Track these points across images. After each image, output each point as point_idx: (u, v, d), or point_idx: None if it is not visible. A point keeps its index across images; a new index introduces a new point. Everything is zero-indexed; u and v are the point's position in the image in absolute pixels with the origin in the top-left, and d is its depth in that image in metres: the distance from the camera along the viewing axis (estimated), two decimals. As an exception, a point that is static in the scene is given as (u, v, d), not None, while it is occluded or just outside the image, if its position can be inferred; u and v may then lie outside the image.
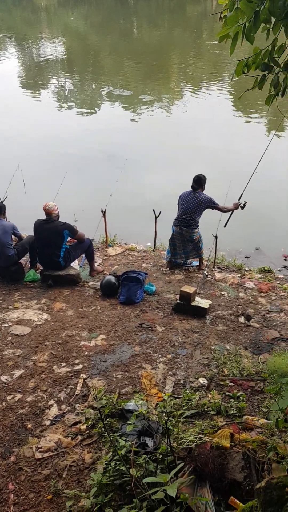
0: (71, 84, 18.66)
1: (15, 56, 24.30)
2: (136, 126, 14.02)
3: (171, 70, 20.69)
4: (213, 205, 6.50)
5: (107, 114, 15.01)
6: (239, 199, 6.57)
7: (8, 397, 3.94)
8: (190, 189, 6.55)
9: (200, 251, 6.80)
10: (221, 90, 17.03)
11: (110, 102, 16.17)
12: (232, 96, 16.36)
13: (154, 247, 7.60)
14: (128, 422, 3.16)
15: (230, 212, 6.61)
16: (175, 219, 6.63)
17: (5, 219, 6.26)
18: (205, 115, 14.70)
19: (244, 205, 6.53)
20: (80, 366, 4.38)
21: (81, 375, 4.25)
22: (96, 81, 19.11)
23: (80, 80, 19.25)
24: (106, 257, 7.13)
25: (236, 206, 6.56)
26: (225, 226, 6.66)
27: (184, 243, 6.65)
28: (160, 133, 13.22)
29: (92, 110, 15.67)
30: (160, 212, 7.15)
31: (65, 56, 24.23)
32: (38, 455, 3.36)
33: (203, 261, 6.94)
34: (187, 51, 24.31)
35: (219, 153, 11.70)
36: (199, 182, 6.49)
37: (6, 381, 4.15)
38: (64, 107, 15.97)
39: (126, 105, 15.87)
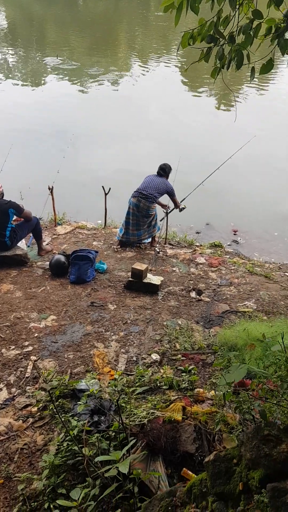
0: (15, 57, 17.85)
1: None
2: (84, 100, 13.68)
3: (118, 42, 20.25)
4: (172, 194, 6.62)
5: (53, 88, 14.52)
6: (181, 201, 6.79)
7: None
8: (156, 174, 6.62)
9: (153, 229, 6.79)
10: (169, 63, 16.85)
11: (57, 75, 15.64)
12: (179, 69, 16.24)
13: (105, 225, 7.51)
14: (79, 402, 3.13)
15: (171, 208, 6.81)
16: (134, 192, 6.54)
17: None
18: (154, 88, 14.56)
19: (183, 209, 6.78)
20: (30, 348, 4.28)
21: (31, 357, 4.16)
22: (41, 53, 18.39)
23: (24, 53, 18.46)
24: (55, 236, 6.96)
25: (178, 206, 6.76)
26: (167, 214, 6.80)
27: (139, 220, 6.56)
28: (108, 107, 12.97)
29: (38, 84, 15.11)
30: (110, 188, 7.04)
31: (7, 26, 23.10)
32: (-12, 440, 3.27)
33: (155, 238, 6.93)
34: (134, 22, 23.84)
35: (167, 127, 11.66)
36: (165, 170, 6.58)
37: None
38: (7, 80, 15.28)
39: (73, 78, 15.42)
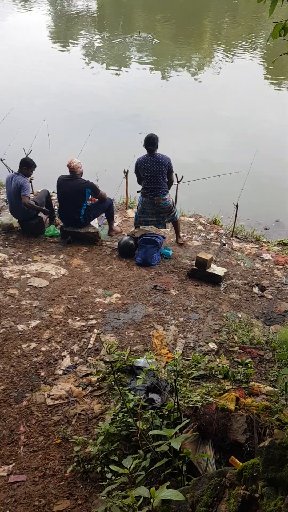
0: (100, 41, 18.17)
1: (45, 6, 23.62)
2: (163, 87, 13.71)
3: (203, 31, 19.98)
4: (171, 168, 5.98)
5: (134, 74, 14.65)
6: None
7: (24, 345, 4.08)
8: (146, 153, 5.95)
9: (172, 214, 6.21)
10: (254, 55, 16.45)
11: (138, 61, 15.76)
12: (264, 62, 15.81)
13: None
14: (138, 377, 3.26)
15: None
16: (142, 189, 6.09)
17: (22, 175, 6.11)
18: (236, 80, 14.27)
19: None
20: (94, 322, 4.49)
21: (95, 330, 4.36)
22: (126, 38, 18.57)
23: (109, 37, 18.73)
24: (125, 219, 7.14)
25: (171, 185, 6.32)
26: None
27: (158, 215, 6.14)
28: (187, 96, 12.92)
29: (120, 69, 15.31)
30: (183, 177, 7.08)
31: (96, 10, 23.48)
32: (49, 401, 3.50)
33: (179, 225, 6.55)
34: (221, 12, 23.36)
35: (246, 120, 11.44)
36: (153, 142, 5.83)
37: (22, 330, 4.29)
38: (91, 63, 15.61)
39: (155, 65, 15.47)
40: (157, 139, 5.89)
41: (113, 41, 17.44)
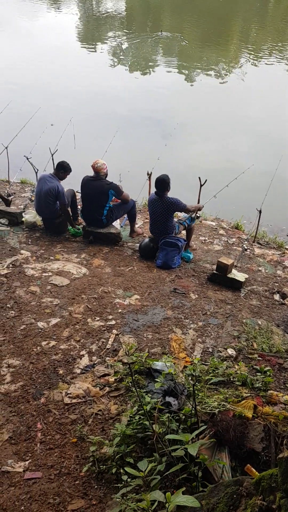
0: (128, 42, 18.24)
1: (75, 7, 23.84)
2: (189, 90, 13.70)
3: (231, 35, 19.88)
4: (181, 208, 5.90)
5: (161, 76, 14.68)
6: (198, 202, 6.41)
7: (43, 343, 4.11)
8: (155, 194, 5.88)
9: (182, 227, 6.14)
10: (281, 60, 16.30)
11: (165, 64, 15.77)
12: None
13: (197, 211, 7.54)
14: (156, 380, 3.26)
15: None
16: (150, 226, 6.13)
17: (54, 177, 6.17)
18: (262, 86, 14.18)
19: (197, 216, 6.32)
20: (113, 322, 4.50)
21: (113, 330, 4.37)
22: (153, 40, 18.61)
23: (137, 39, 18.79)
24: (147, 220, 7.12)
25: (199, 207, 6.29)
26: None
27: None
28: (212, 99, 12.88)
29: (146, 70, 15.35)
30: (206, 180, 7.05)
31: (125, 12, 23.59)
32: (67, 400, 3.52)
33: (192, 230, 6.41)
34: (250, 16, 23.20)
35: (271, 125, 11.35)
36: (163, 185, 5.74)
37: (42, 327, 4.33)
38: (118, 65, 15.70)
39: (181, 68, 15.46)
40: (168, 182, 5.76)
41: (136, 41, 17.46)
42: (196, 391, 3.45)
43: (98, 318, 4.54)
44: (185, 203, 5.90)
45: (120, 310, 4.71)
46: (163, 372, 3.18)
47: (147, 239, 6.08)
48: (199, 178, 7.07)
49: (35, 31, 18.68)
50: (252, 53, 17.05)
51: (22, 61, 14.72)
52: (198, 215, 6.57)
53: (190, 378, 3.62)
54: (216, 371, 3.84)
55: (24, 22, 19.83)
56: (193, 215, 6.20)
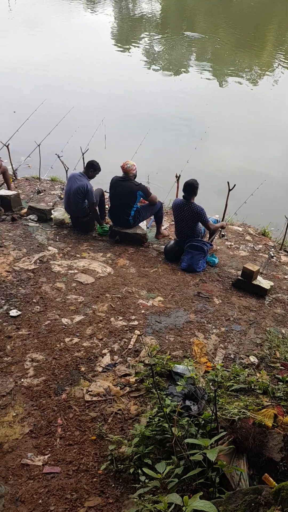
0: (161, 44, 18.28)
1: (111, 9, 24.02)
2: (221, 94, 13.64)
3: (265, 40, 19.70)
4: (204, 221, 5.82)
5: (193, 79, 14.67)
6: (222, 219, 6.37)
7: (67, 339, 4.16)
8: (182, 198, 5.84)
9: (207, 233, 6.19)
10: None
11: (197, 67, 15.74)
12: None
13: (222, 220, 7.51)
14: (177, 383, 3.26)
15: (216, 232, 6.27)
16: (175, 229, 6.13)
17: (84, 176, 6.22)
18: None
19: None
20: (136, 323, 4.52)
21: (136, 331, 4.39)
22: (187, 43, 18.60)
23: (170, 41, 18.81)
24: (173, 223, 7.13)
25: (222, 226, 6.31)
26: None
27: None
28: (244, 105, 12.80)
29: (178, 73, 15.34)
30: (235, 185, 7.01)
31: (159, 15, 23.64)
32: (87, 397, 3.56)
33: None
34: (286, 22, 22.94)
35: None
36: (191, 189, 5.69)
37: (66, 323, 4.38)
38: (151, 66, 15.74)
39: (213, 71, 15.41)
40: (196, 187, 5.71)
41: (169, 43, 17.47)
42: (217, 397, 3.44)
43: (121, 318, 4.57)
44: (208, 218, 5.88)
45: (143, 311, 4.73)
46: (184, 376, 3.18)
47: (172, 242, 6.09)
48: (228, 182, 7.03)
49: (70, 31, 18.91)
50: (286, 59, 16.86)
51: (57, 61, 14.93)
52: (223, 234, 6.56)
53: (211, 384, 3.61)
54: (237, 378, 3.82)
55: (60, 22, 20.08)
56: (215, 235, 6.19)
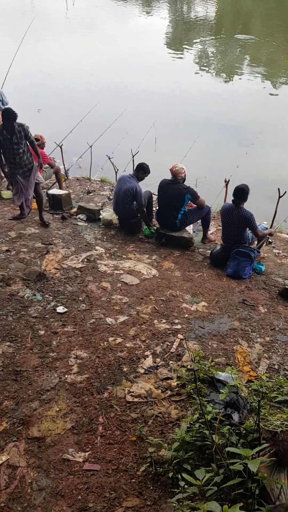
0: (214, 47, 18.16)
1: (166, 12, 24.11)
2: (273, 100, 13.38)
3: None
4: (252, 227, 5.70)
5: (245, 83, 14.48)
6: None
7: (110, 338, 4.22)
8: (231, 203, 5.73)
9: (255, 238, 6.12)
10: None
11: (250, 72, 15.52)
12: None
13: (271, 227, 7.37)
14: (220, 391, 3.23)
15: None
16: (222, 234, 6.01)
17: (133, 178, 6.31)
18: None
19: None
20: (179, 327, 4.51)
21: (179, 335, 4.38)
22: (241, 47, 18.40)
23: (224, 45, 18.65)
24: (220, 228, 7.07)
25: (270, 232, 6.18)
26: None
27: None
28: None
29: (230, 76, 15.19)
30: (286, 192, 6.87)
31: (215, 17, 23.51)
32: (129, 398, 3.59)
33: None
34: None
35: None
36: (242, 195, 5.57)
37: (110, 323, 4.44)
38: (203, 69, 15.67)
39: (266, 76, 15.15)
40: (247, 192, 5.58)
41: (222, 46, 17.33)
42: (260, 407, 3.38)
43: (164, 321, 4.57)
44: (256, 225, 5.80)
45: (186, 315, 4.72)
46: (228, 384, 3.15)
47: (219, 247, 6.04)
48: (278, 189, 6.91)
49: (125, 34, 19.13)
50: None
51: (110, 63, 15.15)
52: (270, 241, 6.46)
53: (254, 393, 3.55)
54: (281, 390, 3.74)
55: (115, 24, 20.37)
56: (263, 241, 6.13)
